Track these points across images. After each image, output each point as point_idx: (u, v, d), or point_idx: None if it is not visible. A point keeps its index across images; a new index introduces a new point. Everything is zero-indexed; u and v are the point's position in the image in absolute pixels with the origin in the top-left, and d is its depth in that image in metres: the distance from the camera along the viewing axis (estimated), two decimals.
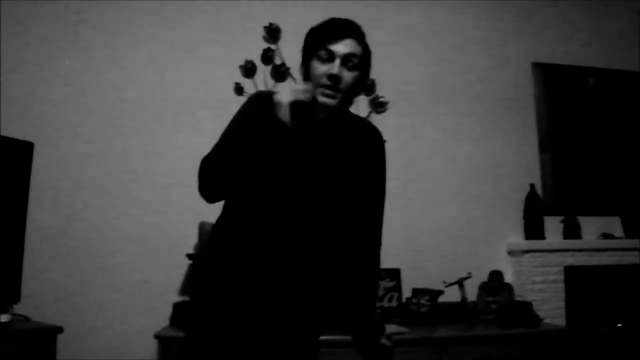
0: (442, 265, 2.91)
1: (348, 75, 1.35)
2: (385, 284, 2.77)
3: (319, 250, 1.47)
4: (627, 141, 3.35)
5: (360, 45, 1.38)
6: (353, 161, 1.45)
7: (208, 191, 1.41)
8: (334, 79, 1.33)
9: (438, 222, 3.01)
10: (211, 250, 1.48)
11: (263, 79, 2.85)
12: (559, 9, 3.39)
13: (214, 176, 1.38)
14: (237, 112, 1.45)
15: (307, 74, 1.40)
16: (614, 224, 3.22)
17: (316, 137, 1.43)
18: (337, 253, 1.48)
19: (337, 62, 1.33)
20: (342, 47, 1.34)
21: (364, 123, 1.53)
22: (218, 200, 1.47)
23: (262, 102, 1.40)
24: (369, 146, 1.48)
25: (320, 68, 1.35)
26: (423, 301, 2.65)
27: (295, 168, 1.41)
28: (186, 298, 2.59)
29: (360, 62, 1.37)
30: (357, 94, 1.43)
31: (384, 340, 1.50)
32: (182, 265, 2.63)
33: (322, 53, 1.34)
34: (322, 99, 1.35)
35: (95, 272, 2.61)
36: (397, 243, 2.84)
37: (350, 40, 1.35)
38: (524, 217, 3.08)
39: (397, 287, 2.79)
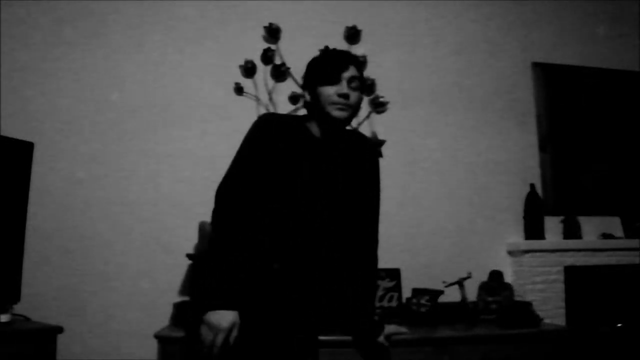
0: (442, 265, 2.91)
1: (353, 94, 1.56)
2: (385, 284, 2.77)
3: (326, 251, 1.56)
4: (627, 141, 3.35)
5: (359, 71, 1.60)
6: (355, 169, 1.63)
7: (228, 220, 1.50)
8: (345, 95, 1.53)
9: (438, 222, 3.01)
10: (216, 249, 1.48)
11: (263, 79, 2.86)
12: (558, 9, 3.38)
13: (234, 211, 1.50)
14: (245, 138, 1.58)
15: (313, 96, 1.58)
16: (614, 224, 3.21)
17: (323, 146, 1.59)
18: (341, 254, 1.59)
19: (344, 83, 1.55)
20: (347, 72, 1.57)
21: (361, 136, 1.76)
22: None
23: (270, 126, 1.58)
24: (368, 156, 1.69)
25: (329, 89, 1.54)
26: (423, 301, 2.65)
27: (306, 174, 1.55)
28: (186, 298, 2.60)
29: (360, 83, 1.60)
30: (357, 113, 1.63)
31: (381, 339, 1.56)
32: (182, 265, 2.63)
33: (332, 77, 1.55)
34: (335, 113, 1.55)
35: (95, 272, 2.61)
36: (397, 243, 2.85)
37: (352, 66, 1.58)
38: (524, 217, 3.08)
39: (397, 287, 2.79)
